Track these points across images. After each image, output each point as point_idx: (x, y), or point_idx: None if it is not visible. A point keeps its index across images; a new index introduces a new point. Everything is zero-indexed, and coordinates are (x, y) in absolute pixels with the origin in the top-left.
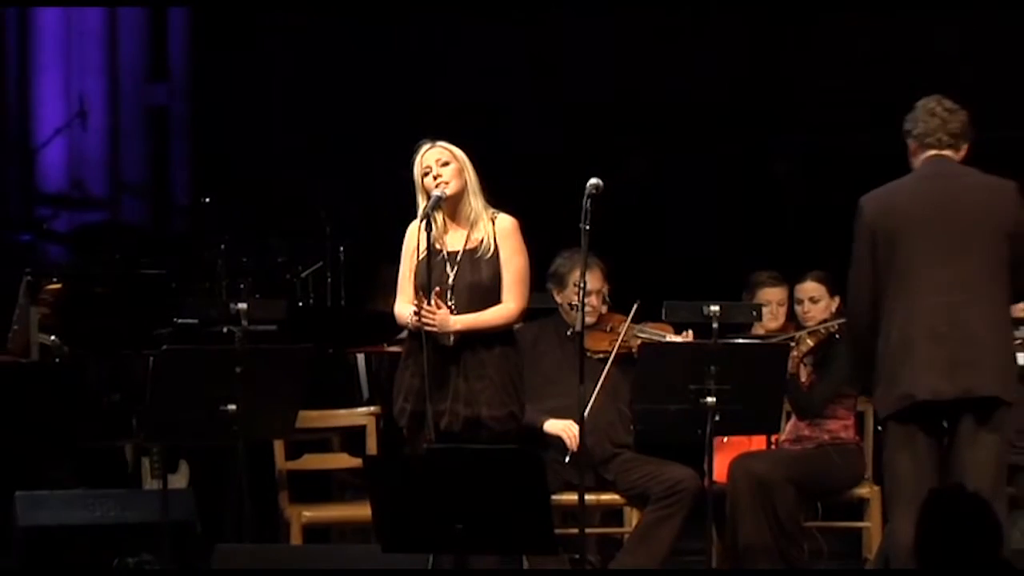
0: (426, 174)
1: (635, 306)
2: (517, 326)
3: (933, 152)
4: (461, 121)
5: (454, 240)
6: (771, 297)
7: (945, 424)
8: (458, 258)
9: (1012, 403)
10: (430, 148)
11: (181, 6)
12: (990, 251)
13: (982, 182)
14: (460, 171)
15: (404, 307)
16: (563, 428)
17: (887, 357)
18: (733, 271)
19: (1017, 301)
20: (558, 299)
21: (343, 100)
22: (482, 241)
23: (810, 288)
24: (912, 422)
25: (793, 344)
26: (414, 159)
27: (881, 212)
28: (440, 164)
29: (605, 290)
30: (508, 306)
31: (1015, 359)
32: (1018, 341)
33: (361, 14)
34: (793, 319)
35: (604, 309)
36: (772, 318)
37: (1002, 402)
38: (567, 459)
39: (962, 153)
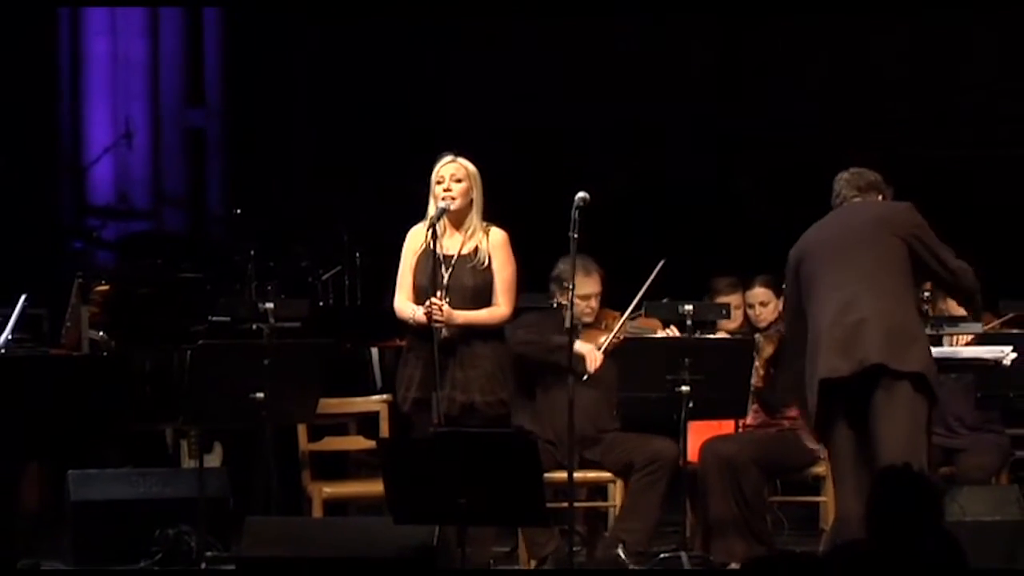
0: (439, 183)
1: (660, 265)
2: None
3: (844, 202)
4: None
5: (450, 244)
6: (728, 302)
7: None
8: (452, 261)
9: (910, 374)
10: (450, 162)
11: (218, 6)
12: (882, 249)
13: (876, 202)
14: (468, 191)
15: (404, 303)
16: (589, 350)
17: (808, 360)
18: (703, 274)
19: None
20: (561, 300)
21: (358, 122)
22: (476, 250)
23: (759, 294)
24: (837, 409)
25: (757, 350)
26: (435, 165)
27: (798, 250)
28: (454, 180)
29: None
30: (500, 309)
31: (914, 339)
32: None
33: (375, 44)
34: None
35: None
36: (731, 319)
37: (896, 375)
38: (584, 378)
39: (875, 201)
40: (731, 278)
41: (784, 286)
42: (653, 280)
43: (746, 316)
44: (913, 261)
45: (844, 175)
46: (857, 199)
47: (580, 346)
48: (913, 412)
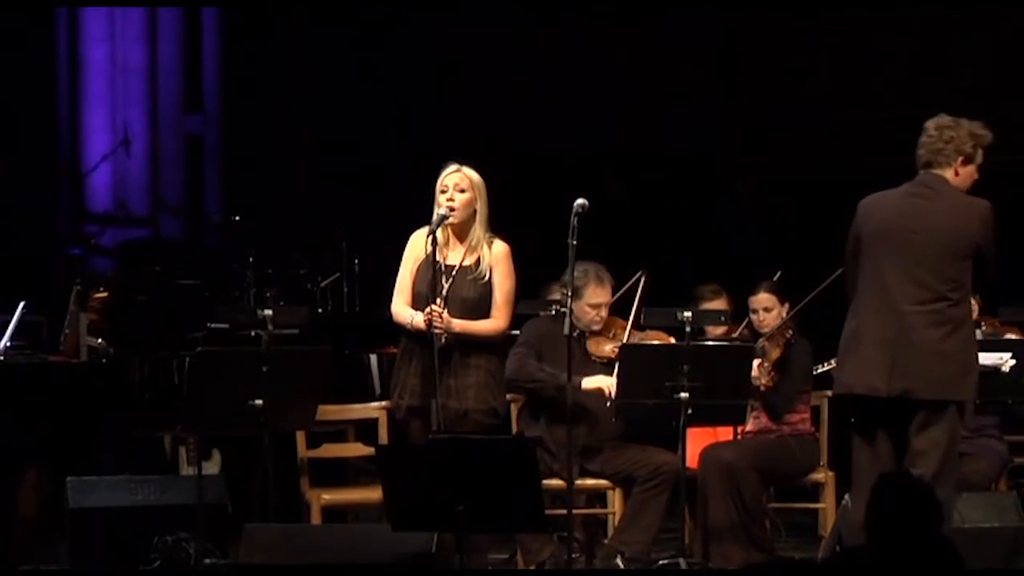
0: (443, 192)
1: (640, 276)
2: (514, 332)
3: (924, 168)
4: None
5: (453, 255)
6: (712, 308)
7: (901, 417)
8: (454, 272)
9: (963, 400)
10: (455, 171)
11: (216, 6)
12: (950, 270)
13: (952, 204)
14: (471, 202)
15: (403, 307)
16: (599, 381)
17: (842, 344)
18: (698, 279)
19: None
20: (573, 307)
21: (357, 129)
22: (478, 262)
23: (763, 299)
24: (870, 415)
25: (764, 354)
26: (441, 173)
27: (863, 215)
28: (457, 189)
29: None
30: (497, 323)
31: (968, 364)
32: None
33: (374, 51)
34: (747, 325)
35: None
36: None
37: (947, 402)
38: (608, 404)
39: (955, 167)
40: (714, 285)
41: (845, 254)
42: (642, 290)
43: (736, 322)
44: (976, 271)
45: (930, 126)
46: (935, 167)
47: (589, 382)
48: (953, 434)
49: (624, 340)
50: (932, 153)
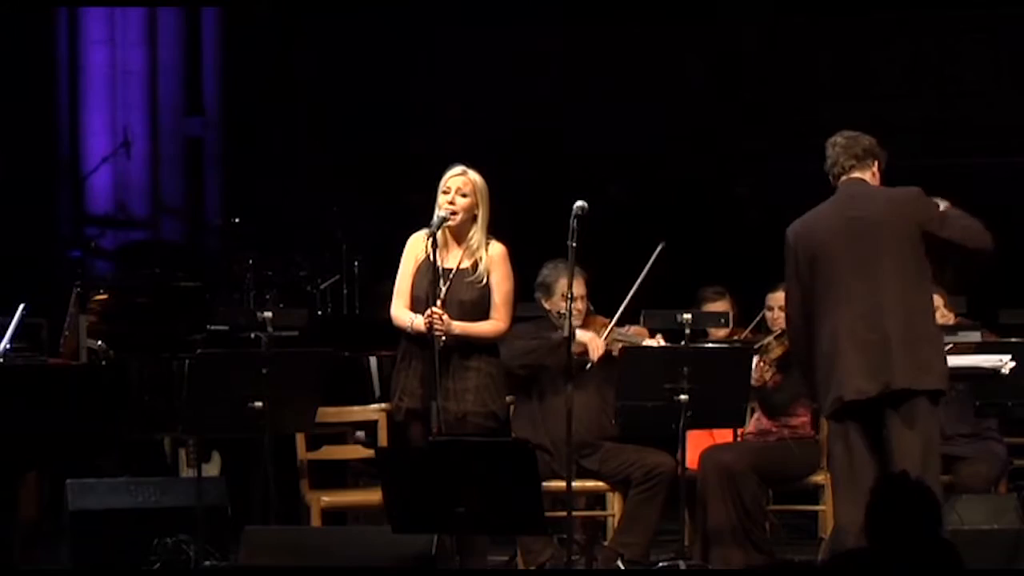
0: (445, 193)
1: (659, 248)
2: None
3: (844, 177)
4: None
5: (451, 257)
6: (715, 309)
7: (877, 419)
8: (451, 275)
9: (929, 391)
10: (460, 174)
11: (216, 6)
12: (902, 259)
13: (887, 196)
14: (472, 207)
15: (402, 310)
16: (590, 338)
17: (821, 364)
18: (698, 281)
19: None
20: (546, 306)
21: (357, 131)
22: (476, 265)
23: (780, 297)
24: (847, 420)
25: (764, 351)
26: (445, 173)
27: (801, 237)
28: (459, 193)
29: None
30: (497, 324)
31: (935, 352)
32: (948, 346)
33: (374, 54)
34: (756, 327)
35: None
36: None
37: (916, 392)
38: (588, 367)
39: (872, 170)
40: (717, 286)
41: (786, 277)
42: (652, 266)
43: (741, 325)
44: (926, 248)
45: (839, 140)
46: (855, 170)
47: (581, 334)
48: (928, 426)
49: (604, 336)
50: (851, 158)
